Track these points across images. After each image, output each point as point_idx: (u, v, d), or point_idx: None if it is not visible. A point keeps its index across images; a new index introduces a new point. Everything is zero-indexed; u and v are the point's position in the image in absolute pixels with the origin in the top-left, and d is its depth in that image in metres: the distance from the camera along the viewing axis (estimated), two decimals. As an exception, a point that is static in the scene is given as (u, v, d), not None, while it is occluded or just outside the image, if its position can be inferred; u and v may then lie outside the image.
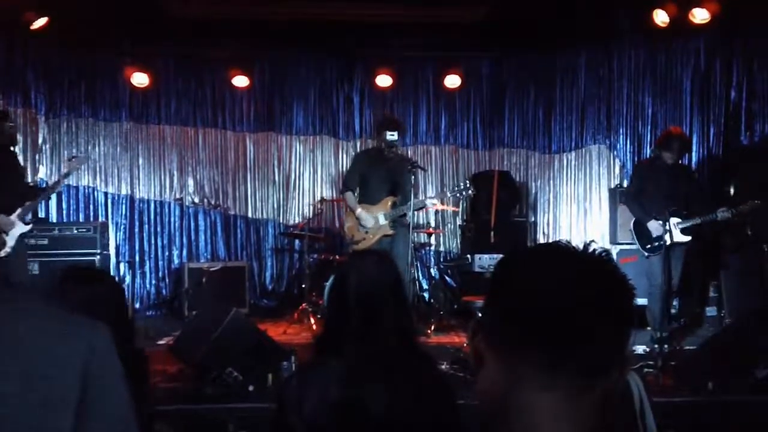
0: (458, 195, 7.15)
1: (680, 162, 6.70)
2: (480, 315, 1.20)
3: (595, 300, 1.07)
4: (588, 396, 1.07)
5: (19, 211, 6.44)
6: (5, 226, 6.38)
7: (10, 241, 6.42)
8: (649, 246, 6.56)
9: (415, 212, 7.02)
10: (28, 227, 6.58)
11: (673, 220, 6.37)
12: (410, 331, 2.47)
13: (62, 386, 1.01)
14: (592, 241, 1.24)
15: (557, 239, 1.24)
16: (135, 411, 1.14)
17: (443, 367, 5.46)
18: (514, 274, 1.15)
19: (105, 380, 1.06)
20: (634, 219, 6.82)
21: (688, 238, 6.47)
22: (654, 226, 6.52)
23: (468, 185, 7.02)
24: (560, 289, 1.07)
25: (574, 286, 1.07)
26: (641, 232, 6.65)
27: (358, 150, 8.97)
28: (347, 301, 2.39)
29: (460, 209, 9.55)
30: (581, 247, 1.16)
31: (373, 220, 6.92)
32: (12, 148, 6.74)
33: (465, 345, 6.24)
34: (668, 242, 6.33)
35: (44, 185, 6.66)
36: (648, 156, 8.27)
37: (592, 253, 1.14)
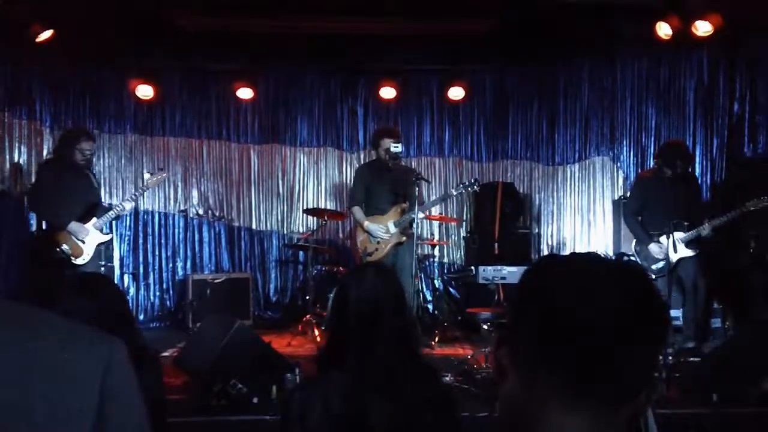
0: (463, 191, 7.12)
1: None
2: (505, 327, 1.15)
3: (625, 331, 1.02)
4: (618, 414, 1.04)
5: (94, 220, 6.69)
6: (78, 233, 6.57)
7: (88, 248, 6.66)
8: (654, 267, 6.51)
9: (419, 223, 6.99)
10: (108, 237, 6.90)
11: (677, 235, 6.32)
12: (412, 343, 2.47)
13: (79, 403, 0.99)
14: (623, 253, 1.20)
15: (589, 251, 1.16)
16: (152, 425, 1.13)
17: (447, 378, 5.46)
18: (539, 292, 1.09)
19: (122, 397, 1.04)
20: (634, 240, 6.80)
21: (694, 252, 6.44)
22: (655, 250, 6.49)
23: (473, 181, 7.02)
24: (588, 318, 1.02)
25: (602, 314, 1.02)
26: (644, 255, 6.63)
27: (362, 162, 8.98)
28: (348, 313, 2.40)
29: (464, 220, 9.56)
30: (614, 261, 1.10)
31: (383, 230, 6.94)
32: (87, 170, 6.93)
33: (470, 357, 6.23)
34: (674, 260, 6.27)
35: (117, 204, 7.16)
36: (650, 167, 8.27)
37: (625, 272, 1.08)
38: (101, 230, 6.80)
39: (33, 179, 7.06)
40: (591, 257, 1.12)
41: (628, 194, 7.67)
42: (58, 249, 6.50)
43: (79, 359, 1.01)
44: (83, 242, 6.61)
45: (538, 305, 1.08)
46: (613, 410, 1.04)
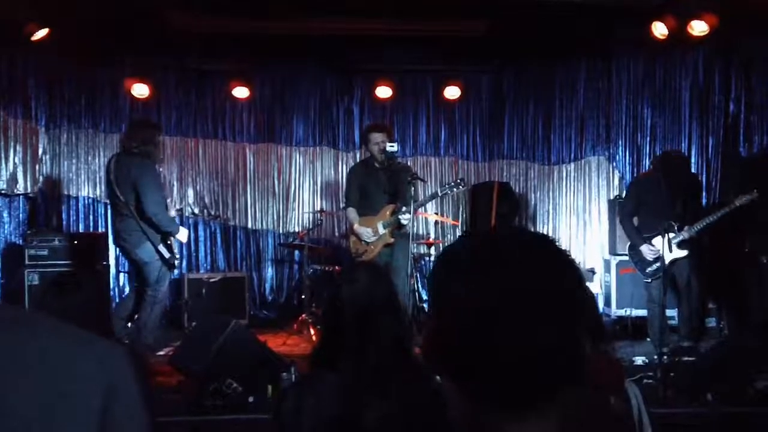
0: (449, 191, 7.09)
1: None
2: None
3: (526, 336, 0.95)
4: (550, 413, 0.99)
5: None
6: (183, 237, 6.52)
7: (176, 248, 6.57)
8: (649, 270, 6.51)
9: (414, 223, 6.97)
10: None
11: (669, 236, 6.31)
12: (406, 343, 2.47)
13: (84, 408, 0.99)
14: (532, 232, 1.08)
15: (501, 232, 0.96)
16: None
17: (440, 379, 5.44)
18: (441, 297, 1.02)
19: (127, 402, 1.05)
20: (628, 243, 6.80)
21: (685, 252, 6.45)
22: (646, 251, 6.49)
23: (459, 181, 6.97)
24: (487, 328, 0.95)
25: (504, 323, 0.94)
26: (638, 257, 6.62)
27: (358, 161, 8.96)
28: (342, 314, 2.39)
29: (460, 220, 9.56)
30: (522, 255, 0.98)
31: (372, 231, 6.90)
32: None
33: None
34: (667, 260, 6.26)
35: None
36: (647, 168, 8.28)
37: (535, 261, 0.98)
38: None
39: (143, 185, 6.27)
40: (489, 251, 1.01)
41: (624, 196, 7.68)
42: (172, 256, 6.36)
43: (84, 365, 1.01)
44: (174, 239, 6.53)
45: (439, 322, 1.02)
46: (544, 411, 0.98)
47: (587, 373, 1.01)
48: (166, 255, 6.29)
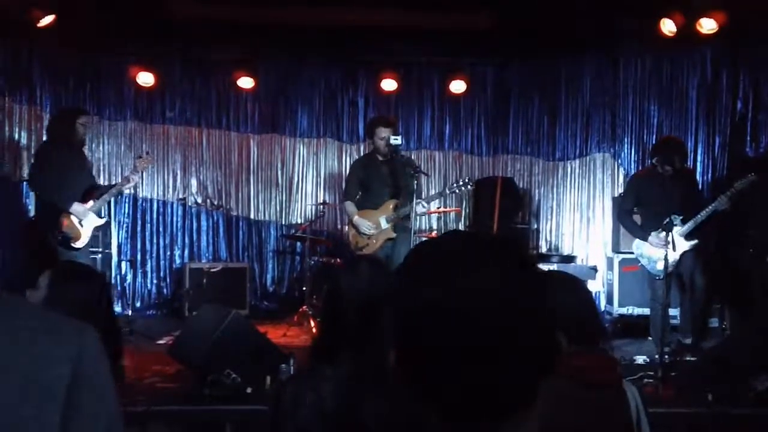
0: (457, 190, 7.10)
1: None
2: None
3: (503, 340, 0.92)
4: (534, 408, 0.96)
5: (92, 203, 6.63)
6: (80, 215, 6.52)
7: (86, 231, 6.61)
8: (659, 269, 6.43)
9: (418, 216, 6.95)
10: (103, 221, 6.88)
11: (674, 229, 6.25)
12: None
13: (49, 387, 1.01)
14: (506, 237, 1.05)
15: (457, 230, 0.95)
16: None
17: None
18: (412, 304, 0.98)
19: (94, 385, 1.06)
20: (635, 242, 6.70)
21: (694, 242, 6.37)
22: (655, 241, 6.39)
23: (467, 180, 6.98)
24: (462, 332, 0.92)
25: (479, 326, 0.92)
26: (647, 258, 6.53)
27: (362, 153, 8.94)
28: (342, 308, 2.37)
29: (463, 215, 9.53)
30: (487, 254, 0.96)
31: (373, 225, 6.87)
32: (82, 148, 6.98)
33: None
34: (677, 257, 6.21)
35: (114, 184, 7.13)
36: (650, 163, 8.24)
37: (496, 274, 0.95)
38: (98, 214, 6.75)
39: (32, 160, 6.93)
40: (455, 258, 0.99)
41: (623, 192, 7.64)
42: (58, 232, 6.42)
43: (51, 343, 1.03)
44: (82, 225, 6.55)
45: (398, 328, 0.99)
46: (527, 411, 0.96)
47: (583, 371, 1.00)
48: (58, 237, 6.39)
